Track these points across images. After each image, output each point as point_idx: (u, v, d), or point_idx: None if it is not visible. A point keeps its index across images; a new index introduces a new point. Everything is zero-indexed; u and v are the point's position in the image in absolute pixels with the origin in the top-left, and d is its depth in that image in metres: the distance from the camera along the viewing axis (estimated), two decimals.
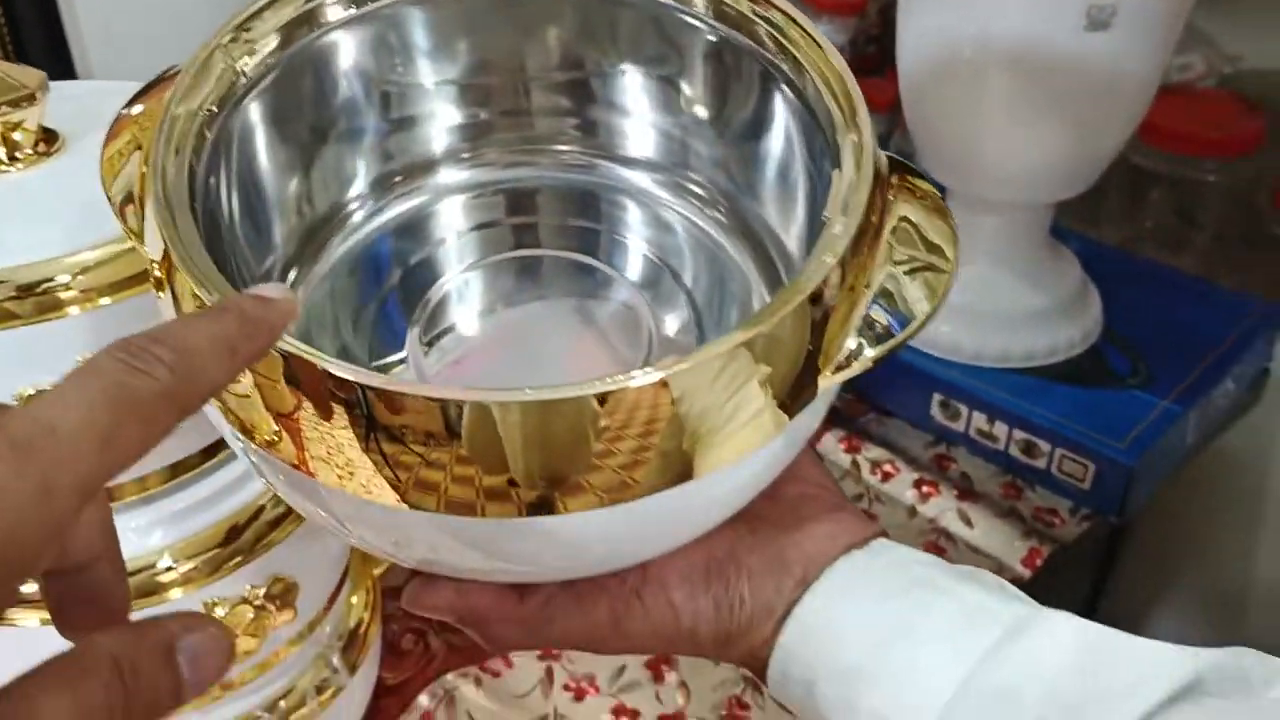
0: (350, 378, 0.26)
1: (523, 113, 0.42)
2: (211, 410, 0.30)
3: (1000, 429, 0.65)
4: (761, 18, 0.37)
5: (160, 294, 0.31)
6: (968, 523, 0.64)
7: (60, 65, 0.75)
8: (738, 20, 0.37)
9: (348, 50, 0.39)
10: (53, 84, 0.42)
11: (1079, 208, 0.82)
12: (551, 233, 0.42)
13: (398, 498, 0.28)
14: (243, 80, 0.36)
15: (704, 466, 0.28)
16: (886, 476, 0.67)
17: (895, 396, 0.70)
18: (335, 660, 0.49)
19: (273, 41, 0.36)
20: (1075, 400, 0.65)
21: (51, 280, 0.38)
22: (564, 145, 0.42)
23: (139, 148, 0.33)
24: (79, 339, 0.38)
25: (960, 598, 0.33)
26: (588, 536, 0.29)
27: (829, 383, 0.29)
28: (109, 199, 0.33)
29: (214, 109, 0.34)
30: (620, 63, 0.40)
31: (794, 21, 0.36)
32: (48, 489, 0.19)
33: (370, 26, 0.39)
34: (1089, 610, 0.76)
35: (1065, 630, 0.32)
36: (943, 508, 0.65)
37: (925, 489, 0.66)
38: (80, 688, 0.20)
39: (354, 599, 0.51)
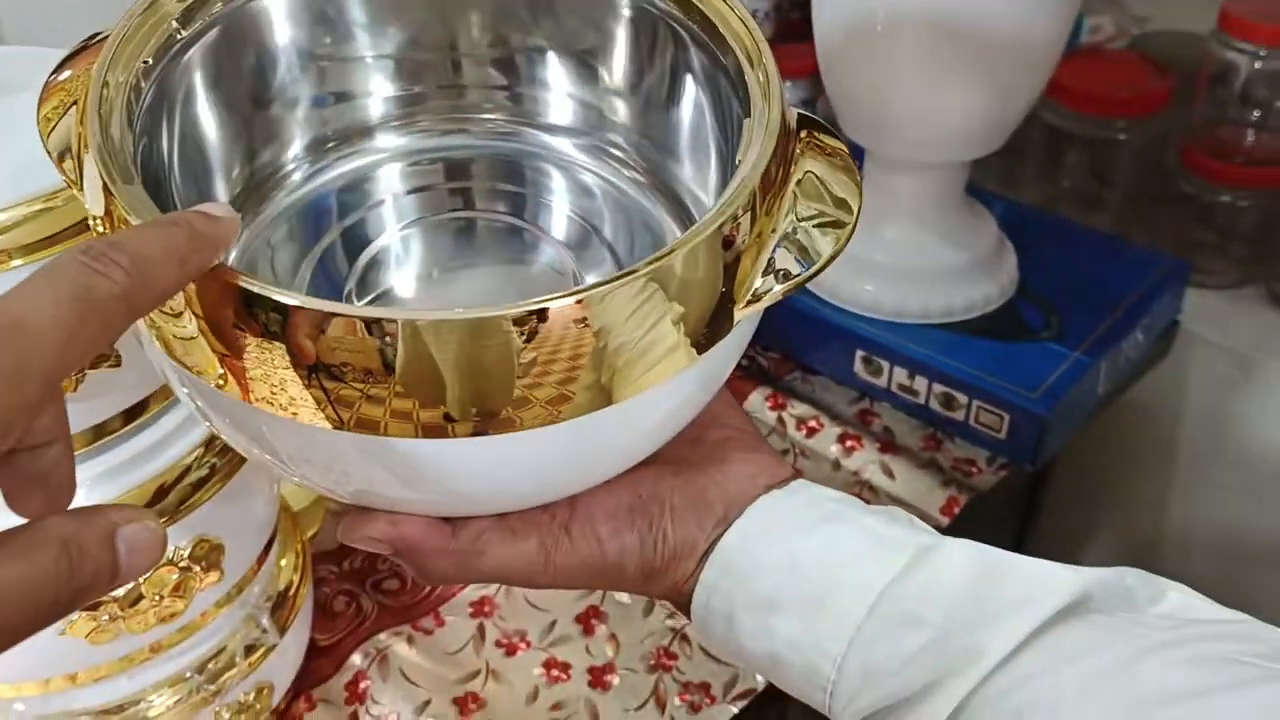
0: (293, 302, 0.27)
1: (454, 86, 0.43)
2: (157, 356, 0.31)
3: (920, 383, 0.67)
4: None
5: None
6: (889, 474, 0.65)
7: None
8: None
9: (284, 17, 0.40)
10: None
11: (999, 170, 0.85)
12: (484, 196, 0.43)
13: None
14: (180, 38, 0.36)
15: (623, 393, 0.29)
16: (811, 432, 0.68)
17: (820, 354, 0.71)
18: (265, 621, 0.49)
19: (211, 2, 0.37)
20: (991, 354, 0.67)
21: None
22: (492, 114, 0.43)
23: (74, 102, 0.33)
24: None
25: (870, 530, 0.35)
26: (515, 460, 0.30)
27: (741, 315, 0.31)
28: (48, 152, 0.33)
29: (149, 61, 0.34)
30: (542, 42, 0.42)
31: None
32: (20, 376, 0.22)
33: None
34: None
35: (963, 555, 0.34)
36: (866, 460, 0.66)
37: (849, 443, 0.67)
38: (32, 559, 0.22)
39: (283, 561, 0.52)
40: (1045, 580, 0.33)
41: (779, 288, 0.31)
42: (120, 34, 0.34)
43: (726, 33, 0.36)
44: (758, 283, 0.31)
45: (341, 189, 0.42)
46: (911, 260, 0.69)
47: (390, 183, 0.42)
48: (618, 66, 0.41)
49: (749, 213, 0.31)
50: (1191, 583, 0.34)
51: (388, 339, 0.27)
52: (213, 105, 0.38)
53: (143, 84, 0.34)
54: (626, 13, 0.40)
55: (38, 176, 0.38)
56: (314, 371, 0.28)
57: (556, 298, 0.28)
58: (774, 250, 0.32)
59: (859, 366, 0.69)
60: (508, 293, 0.42)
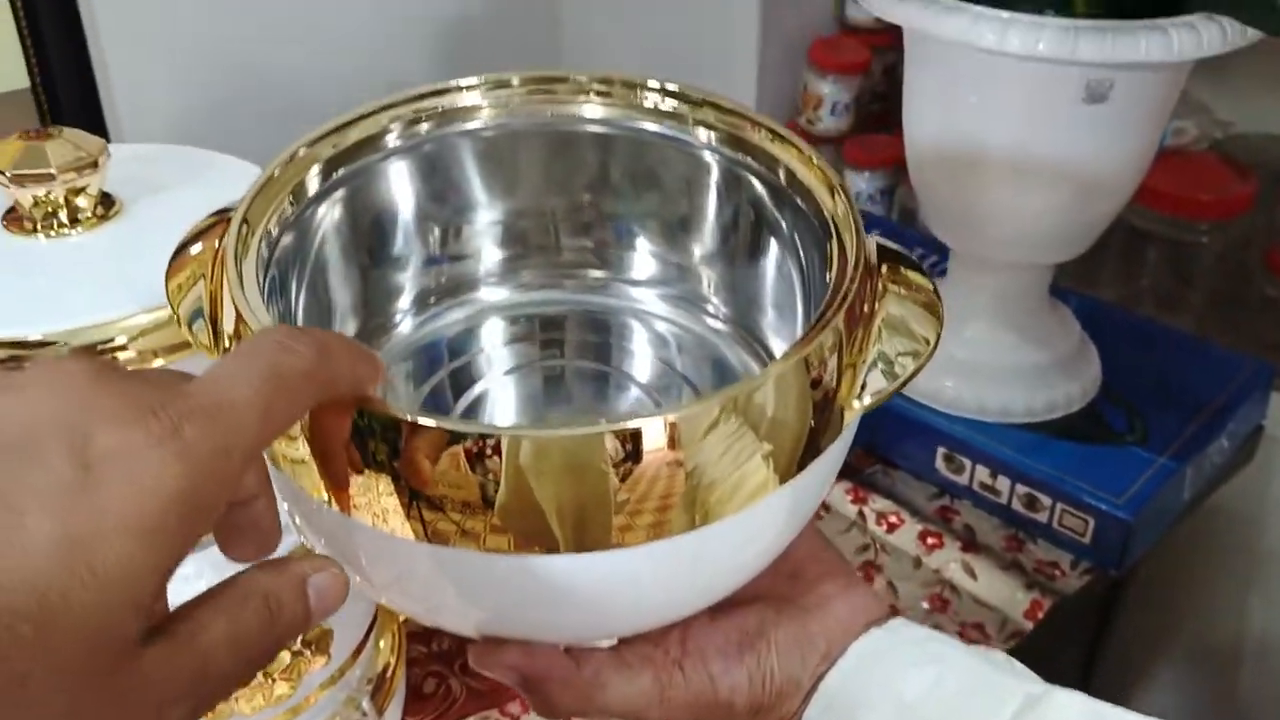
0: (411, 419, 0.29)
1: (552, 248, 0.46)
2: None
3: (1003, 483, 0.67)
4: (751, 137, 0.41)
5: None
6: (971, 574, 0.65)
7: (91, 114, 0.78)
8: (733, 141, 0.41)
9: (409, 189, 0.43)
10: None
11: (1078, 267, 0.85)
12: (574, 346, 0.46)
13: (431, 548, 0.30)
14: (306, 198, 0.39)
15: (714, 517, 0.30)
16: (892, 527, 0.69)
17: (900, 449, 0.72)
18: (365, 704, 0.50)
19: (336, 165, 0.40)
20: (1075, 455, 0.67)
21: (110, 341, 0.40)
22: (585, 269, 0.46)
23: (203, 275, 0.35)
24: None
25: (975, 673, 0.35)
26: (611, 579, 0.31)
27: (850, 416, 0.32)
28: (177, 319, 0.35)
29: (276, 230, 0.37)
30: (636, 211, 0.45)
31: (782, 137, 0.40)
32: (226, 452, 0.23)
33: (425, 162, 0.42)
34: (1088, 659, 0.78)
35: (1073, 707, 0.34)
36: (947, 559, 0.66)
37: (930, 540, 0.68)
38: (237, 616, 0.24)
39: (381, 643, 0.53)
40: None
41: (860, 404, 0.32)
42: (252, 196, 0.37)
43: (809, 182, 0.38)
44: (845, 413, 0.32)
45: (445, 339, 0.45)
46: (993, 358, 0.70)
47: (491, 333, 0.45)
48: (706, 230, 0.44)
49: (835, 353, 0.32)
50: (1270, 691, 0.34)
51: (490, 475, 0.28)
52: (336, 265, 0.41)
53: (273, 246, 0.37)
54: (715, 177, 0.42)
55: None
56: (415, 500, 0.29)
57: (648, 416, 0.29)
58: (863, 378, 0.33)
59: (940, 463, 0.70)
60: None
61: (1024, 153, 0.62)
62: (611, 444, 0.28)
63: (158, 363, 0.40)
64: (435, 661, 0.60)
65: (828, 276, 0.35)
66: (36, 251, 0.42)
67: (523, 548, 0.29)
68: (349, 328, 0.43)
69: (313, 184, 0.39)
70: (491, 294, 0.46)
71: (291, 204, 0.38)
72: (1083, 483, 0.65)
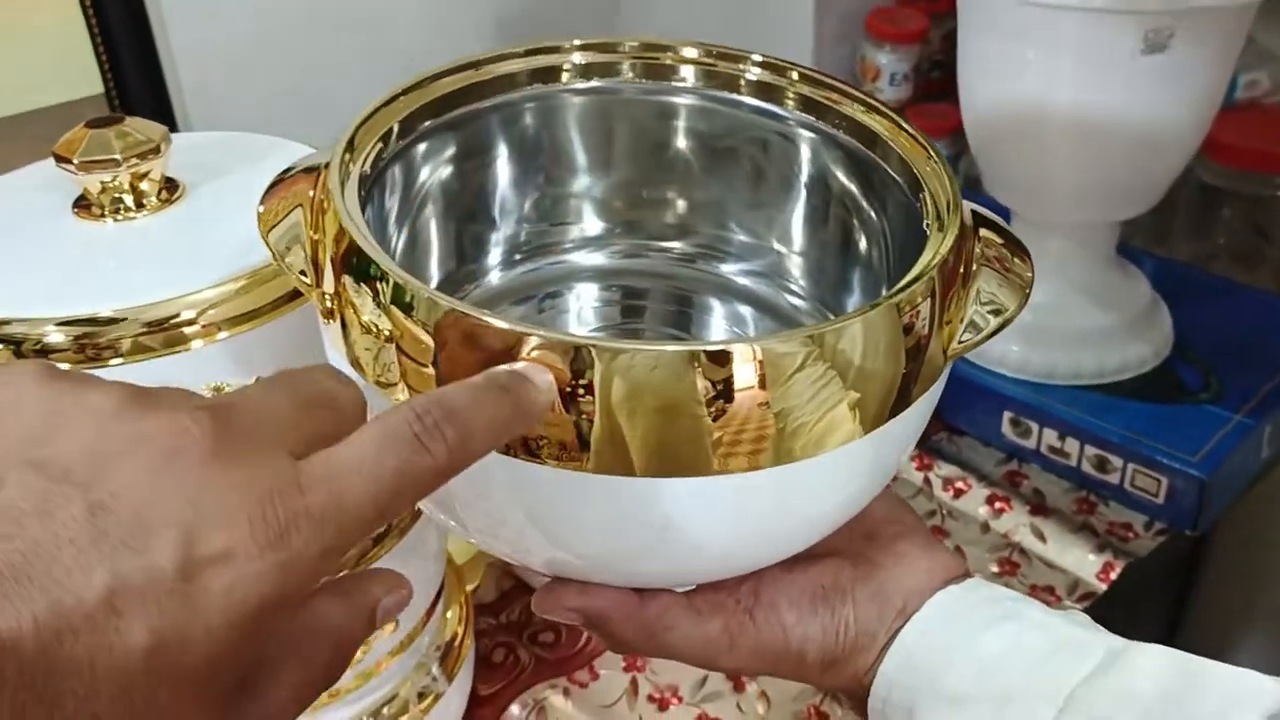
0: (497, 323, 0.28)
1: (642, 220, 0.47)
2: None
3: (1072, 445, 0.66)
4: (844, 109, 0.41)
5: (329, 322, 0.33)
6: (1040, 537, 0.65)
7: (163, 119, 0.81)
8: (825, 113, 0.41)
9: (510, 147, 0.44)
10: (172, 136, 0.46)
11: (1150, 227, 0.83)
12: (655, 315, 0.47)
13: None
14: (409, 137, 0.39)
15: (799, 456, 0.30)
16: (958, 493, 0.68)
17: (966, 415, 0.71)
18: (434, 669, 0.51)
19: (439, 111, 0.40)
20: (1147, 416, 0.65)
21: (177, 316, 0.41)
22: (674, 242, 0.47)
23: (298, 205, 0.36)
24: (202, 369, 0.41)
25: (1054, 630, 0.35)
26: (693, 507, 0.31)
27: (945, 365, 0.32)
28: (270, 249, 0.35)
29: (368, 169, 0.37)
30: (725, 188, 0.45)
31: (876, 108, 0.40)
32: (327, 553, 0.22)
33: (530, 123, 0.43)
34: (1172, 626, 0.76)
35: (1158, 659, 0.33)
36: (1015, 523, 0.66)
37: (998, 505, 0.67)
38: (310, 661, 0.24)
39: (449, 614, 0.54)
40: (1246, 689, 0.32)
41: (952, 351, 0.33)
42: (353, 130, 0.37)
43: (906, 153, 0.38)
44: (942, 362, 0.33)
45: (535, 296, 0.46)
46: (1060, 321, 0.69)
47: (573, 296, 0.46)
48: (795, 210, 0.44)
49: (929, 303, 0.32)
50: None
51: (584, 415, 0.29)
52: (435, 213, 0.42)
53: (371, 182, 0.37)
54: (805, 155, 0.42)
55: (242, 255, 0.42)
56: (510, 448, 0.29)
57: (736, 342, 0.29)
58: (959, 337, 0.33)
59: (1007, 428, 0.69)
60: None
61: (1083, 108, 0.60)
62: (701, 377, 0.28)
63: (220, 335, 0.42)
64: (504, 632, 0.61)
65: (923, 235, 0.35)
66: (105, 235, 0.44)
67: (604, 468, 0.29)
68: (442, 271, 0.44)
69: (415, 125, 0.39)
70: (578, 258, 0.46)
71: (395, 142, 0.38)
72: (1155, 442, 0.64)
